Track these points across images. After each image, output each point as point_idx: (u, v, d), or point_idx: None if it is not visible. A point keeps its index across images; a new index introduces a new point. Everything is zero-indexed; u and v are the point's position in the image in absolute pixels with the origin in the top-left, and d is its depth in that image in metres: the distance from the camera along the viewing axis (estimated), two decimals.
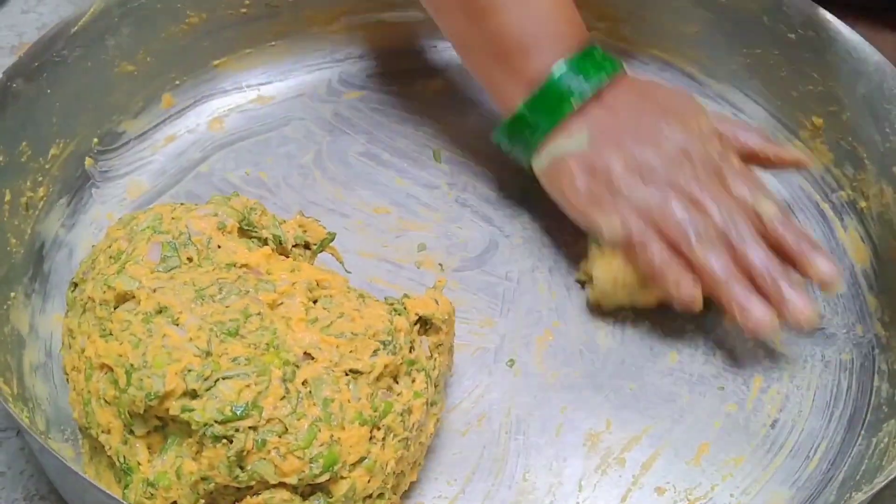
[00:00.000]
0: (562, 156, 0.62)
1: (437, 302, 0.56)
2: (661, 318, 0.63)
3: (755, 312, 0.58)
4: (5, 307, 0.58)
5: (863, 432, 0.59)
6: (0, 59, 0.68)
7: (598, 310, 0.63)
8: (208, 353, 0.50)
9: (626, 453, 0.58)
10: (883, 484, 0.50)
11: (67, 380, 0.54)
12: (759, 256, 0.59)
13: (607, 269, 0.61)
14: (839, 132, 0.68)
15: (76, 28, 0.64)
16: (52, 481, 0.56)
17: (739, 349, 0.62)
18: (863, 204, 0.66)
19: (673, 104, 0.63)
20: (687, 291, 0.59)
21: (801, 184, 0.70)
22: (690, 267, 0.59)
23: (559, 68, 0.62)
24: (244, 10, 0.71)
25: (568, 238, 0.67)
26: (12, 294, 0.59)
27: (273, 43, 0.73)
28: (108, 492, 0.47)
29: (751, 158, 0.64)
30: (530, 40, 0.62)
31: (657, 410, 0.60)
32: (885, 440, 0.56)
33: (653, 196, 0.60)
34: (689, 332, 0.63)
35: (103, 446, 0.51)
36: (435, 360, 0.55)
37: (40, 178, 0.63)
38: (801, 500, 0.56)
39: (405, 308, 0.54)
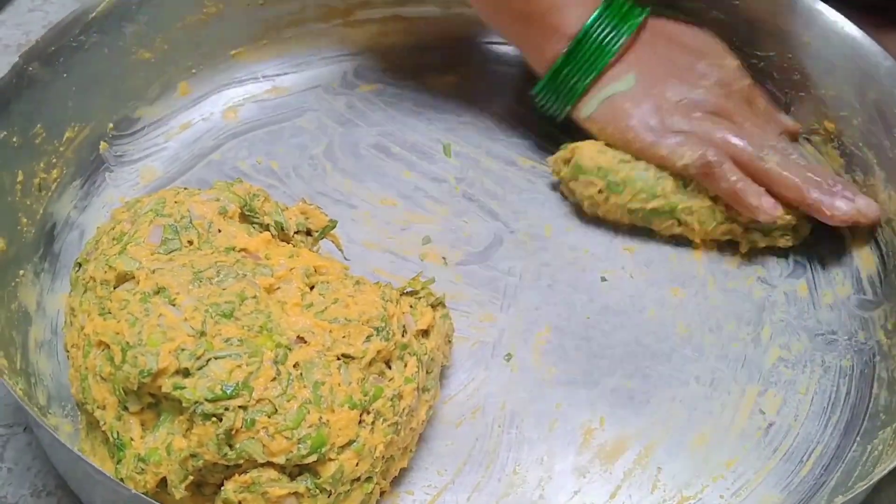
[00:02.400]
0: (612, 98, 0.66)
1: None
2: (660, 317, 0.63)
3: (841, 206, 0.63)
4: (14, 284, 0.60)
5: (858, 439, 0.58)
6: (7, 57, 0.69)
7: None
8: (202, 334, 0.51)
9: (618, 451, 0.58)
10: (864, 488, 0.50)
11: (68, 356, 0.55)
12: (814, 170, 0.65)
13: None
14: (850, 137, 0.67)
15: (94, 14, 0.65)
16: (59, 474, 0.57)
17: (738, 351, 0.62)
18: None
19: (701, 45, 0.68)
20: (769, 208, 0.64)
21: None
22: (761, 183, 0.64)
23: (592, 18, 0.66)
24: (262, 1, 0.72)
25: (571, 235, 0.67)
26: (21, 272, 0.60)
27: (290, 34, 0.74)
28: (94, 465, 0.48)
29: None
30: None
31: (652, 409, 0.60)
32: (880, 447, 0.56)
33: (708, 126, 0.65)
34: (688, 333, 0.63)
35: (98, 422, 0.52)
36: (424, 344, 0.55)
37: (54, 161, 0.64)
38: None
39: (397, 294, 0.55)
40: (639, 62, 0.67)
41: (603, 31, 0.66)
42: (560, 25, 0.66)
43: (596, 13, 0.66)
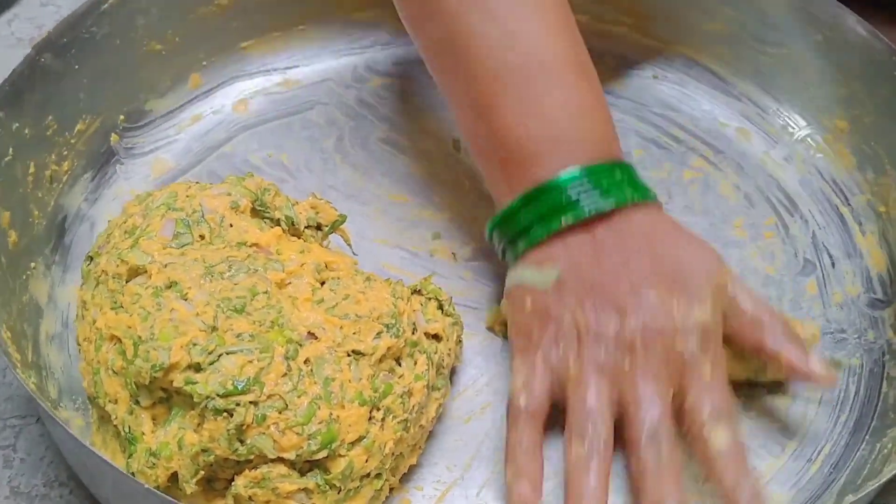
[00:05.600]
0: (524, 286, 0.56)
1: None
2: None
3: None
4: (25, 277, 0.60)
5: (867, 437, 0.58)
6: (19, 51, 0.68)
7: None
8: (214, 329, 0.51)
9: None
10: (874, 487, 0.50)
11: (80, 350, 0.55)
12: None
13: None
14: (862, 136, 0.67)
15: (106, 6, 0.65)
16: (70, 466, 0.57)
17: None
18: (882, 209, 0.66)
19: (679, 268, 0.55)
20: (517, 497, 0.53)
21: (821, 187, 0.69)
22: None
23: (569, 172, 0.55)
24: None
25: None
26: (32, 264, 0.61)
27: (301, 27, 0.74)
28: (105, 458, 0.48)
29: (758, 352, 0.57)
30: (538, 146, 0.56)
31: None
32: (889, 446, 0.56)
33: (576, 372, 0.54)
34: None
35: (110, 416, 0.53)
36: (435, 345, 0.55)
37: (65, 153, 0.65)
38: (800, 503, 0.56)
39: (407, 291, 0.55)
40: (576, 257, 0.55)
41: (576, 190, 0.55)
42: (528, 176, 0.56)
43: (579, 169, 0.55)
